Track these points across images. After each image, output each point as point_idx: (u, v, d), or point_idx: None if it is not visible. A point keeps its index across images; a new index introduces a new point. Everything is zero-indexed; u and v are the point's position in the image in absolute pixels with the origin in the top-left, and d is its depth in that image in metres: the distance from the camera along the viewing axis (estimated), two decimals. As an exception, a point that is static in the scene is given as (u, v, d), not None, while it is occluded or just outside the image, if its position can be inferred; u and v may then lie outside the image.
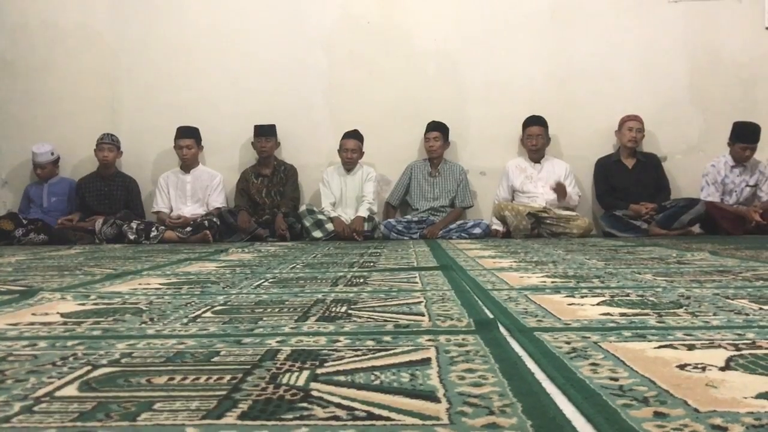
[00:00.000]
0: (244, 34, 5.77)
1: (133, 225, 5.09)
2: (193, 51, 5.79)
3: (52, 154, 5.56)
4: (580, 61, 5.66)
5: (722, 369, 0.96)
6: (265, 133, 5.46)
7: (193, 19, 5.80)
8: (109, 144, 5.49)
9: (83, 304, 1.73)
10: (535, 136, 5.39)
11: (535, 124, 5.40)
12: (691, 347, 1.11)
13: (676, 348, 1.10)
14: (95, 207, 5.43)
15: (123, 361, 1.07)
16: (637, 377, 0.91)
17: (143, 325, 1.40)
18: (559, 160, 5.54)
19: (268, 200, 5.48)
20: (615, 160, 5.47)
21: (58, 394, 0.88)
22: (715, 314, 1.42)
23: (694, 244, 3.91)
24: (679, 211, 5.04)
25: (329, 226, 5.14)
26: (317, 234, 5.11)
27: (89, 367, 1.03)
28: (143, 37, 5.82)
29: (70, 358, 1.09)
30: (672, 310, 1.48)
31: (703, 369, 0.96)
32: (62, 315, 1.57)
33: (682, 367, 0.97)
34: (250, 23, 5.77)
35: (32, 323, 1.46)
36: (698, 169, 5.39)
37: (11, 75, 5.86)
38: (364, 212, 5.23)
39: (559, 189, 5.28)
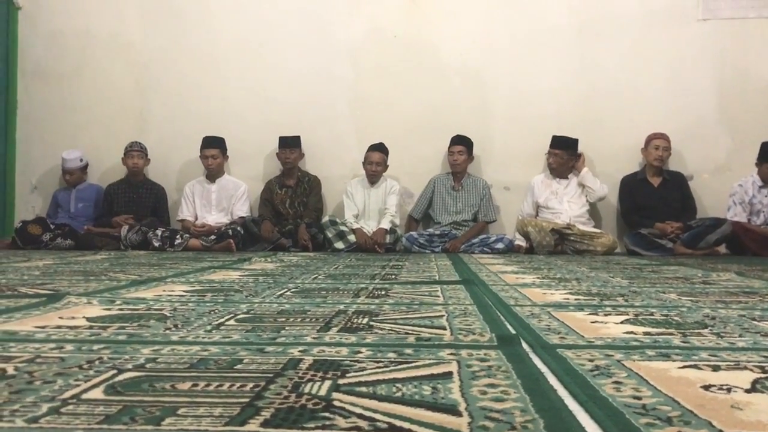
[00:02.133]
0: (272, 46, 5.83)
1: (158, 232, 5.15)
2: (222, 62, 5.87)
3: (81, 160, 5.65)
4: (607, 77, 5.64)
5: (748, 391, 0.95)
6: (289, 145, 5.50)
7: (222, 31, 5.88)
8: (138, 151, 5.58)
9: (109, 309, 1.76)
10: (554, 155, 5.38)
11: (557, 146, 5.38)
12: (716, 368, 1.09)
13: (700, 368, 1.09)
14: (122, 213, 5.49)
15: (148, 366, 1.08)
16: (660, 396, 0.91)
17: (167, 331, 1.42)
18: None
19: (291, 211, 5.52)
20: (640, 178, 5.43)
21: (84, 396, 0.90)
22: (740, 336, 1.40)
23: (720, 264, 3.86)
24: (705, 230, 4.98)
25: (351, 238, 5.15)
26: (339, 245, 5.12)
27: (114, 371, 1.04)
28: (173, 47, 5.91)
29: (96, 362, 1.11)
30: (697, 331, 1.46)
31: (729, 390, 0.95)
32: (88, 319, 1.59)
33: (706, 387, 0.96)
34: (278, 35, 5.83)
35: (59, 326, 1.48)
36: (725, 188, 5.33)
37: (44, 82, 5.98)
38: (386, 224, 5.24)
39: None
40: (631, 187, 5.43)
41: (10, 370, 1.04)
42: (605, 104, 5.64)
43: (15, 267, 3.25)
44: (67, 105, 5.97)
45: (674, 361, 1.15)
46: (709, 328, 1.50)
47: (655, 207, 5.28)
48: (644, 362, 1.13)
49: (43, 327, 1.46)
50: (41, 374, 1.02)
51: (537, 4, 5.74)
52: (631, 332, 1.44)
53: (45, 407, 0.84)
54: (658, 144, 5.33)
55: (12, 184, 5.96)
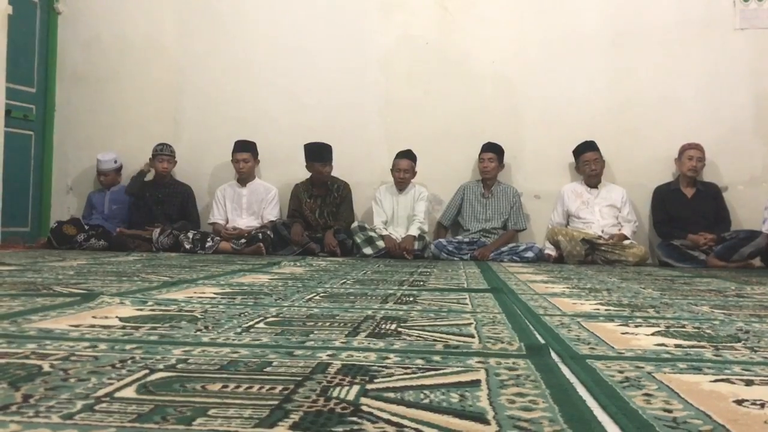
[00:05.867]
0: (305, 52, 5.88)
1: (189, 235, 5.21)
2: (255, 66, 5.92)
3: (116, 162, 5.74)
4: (641, 86, 5.59)
5: (782, 407, 0.93)
6: (323, 159, 5.40)
7: (256, 36, 5.94)
8: (168, 155, 5.65)
9: (141, 310, 1.78)
10: (593, 161, 5.33)
11: (590, 149, 5.35)
12: (749, 383, 1.08)
13: (733, 383, 1.07)
14: (152, 213, 5.56)
15: (179, 366, 1.10)
16: (691, 410, 0.89)
17: (198, 333, 1.43)
18: (616, 185, 5.46)
19: (321, 221, 5.50)
20: (674, 188, 5.36)
21: (117, 395, 0.91)
22: (775, 350, 1.38)
23: (754, 277, 3.79)
24: (739, 243, 4.89)
25: (380, 244, 5.15)
26: (368, 251, 5.13)
27: (147, 371, 1.06)
28: (207, 51, 5.99)
29: (129, 361, 1.13)
30: (729, 344, 1.44)
31: (762, 406, 0.93)
32: (121, 319, 1.61)
33: (739, 402, 0.95)
34: (311, 41, 5.87)
35: (93, 326, 1.51)
36: (760, 200, 5.22)
37: (82, 85, 6.09)
38: (414, 231, 5.24)
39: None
40: (664, 197, 5.36)
41: (46, 367, 1.06)
42: (639, 113, 5.58)
43: (50, 266, 3.32)
44: (104, 108, 6.07)
45: (706, 374, 1.13)
46: (743, 341, 1.48)
47: (688, 218, 5.21)
48: (675, 375, 1.12)
49: (78, 326, 1.49)
50: (76, 372, 1.04)
51: (570, 11, 5.71)
52: (663, 344, 1.43)
53: (79, 404, 0.86)
54: (692, 154, 5.26)
55: (48, 185, 6.08)
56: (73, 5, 6.14)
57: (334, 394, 0.94)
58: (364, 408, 0.87)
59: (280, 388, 0.97)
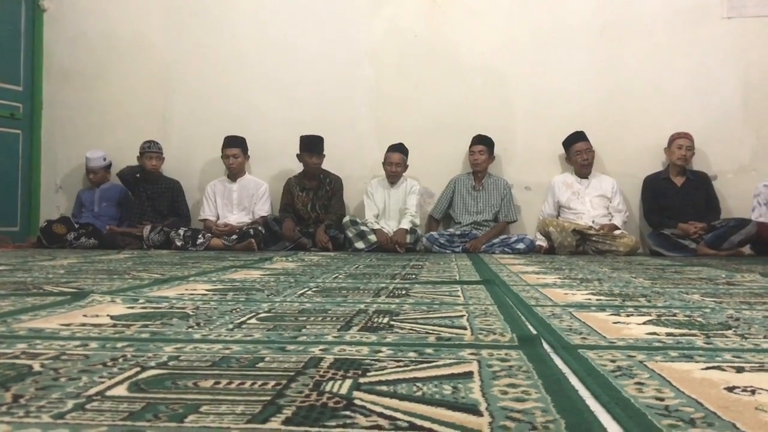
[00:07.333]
0: (293, 46, 5.86)
1: (180, 232, 5.19)
2: (244, 62, 5.90)
3: (105, 159, 5.72)
4: (630, 77, 5.60)
5: (773, 393, 0.94)
6: (315, 150, 5.39)
7: (244, 31, 5.91)
8: (156, 152, 5.62)
9: (132, 308, 1.78)
10: (585, 151, 5.34)
11: (581, 139, 5.36)
12: (740, 370, 1.08)
13: (724, 370, 1.08)
14: (142, 209, 5.56)
15: (170, 363, 1.10)
16: (683, 398, 0.90)
17: (190, 330, 1.43)
18: (606, 176, 5.48)
19: (313, 214, 5.49)
20: (664, 177, 5.38)
21: (108, 393, 0.91)
22: (765, 337, 1.39)
23: (744, 265, 3.81)
24: (729, 231, 4.92)
25: (372, 238, 5.15)
26: (360, 245, 5.13)
27: (138, 369, 1.05)
28: (196, 48, 5.96)
29: (120, 359, 1.12)
30: (720, 332, 1.45)
31: (753, 392, 0.94)
32: (112, 317, 1.61)
33: (730, 389, 0.95)
34: (299, 35, 5.85)
35: (84, 324, 1.50)
36: (750, 188, 5.26)
37: (69, 83, 6.05)
38: (406, 224, 5.24)
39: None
40: (654, 186, 5.38)
41: (37, 367, 1.06)
42: (628, 104, 5.59)
43: (40, 265, 3.30)
44: (91, 106, 6.04)
45: (697, 362, 1.14)
46: (733, 329, 1.49)
47: (678, 207, 5.23)
48: (667, 363, 1.12)
49: (68, 325, 1.48)
50: (66, 371, 1.03)
51: (559, 3, 5.71)
52: (654, 333, 1.43)
53: (70, 403, 0.85)
54: (681, 143, 5.28)
55: (37, 183, 6.04)
56: (59, 2, 6.09)
57: (327, 388, 0.94)
58: (357, 402, 0.87)
59: (272, 383, 0.96)
